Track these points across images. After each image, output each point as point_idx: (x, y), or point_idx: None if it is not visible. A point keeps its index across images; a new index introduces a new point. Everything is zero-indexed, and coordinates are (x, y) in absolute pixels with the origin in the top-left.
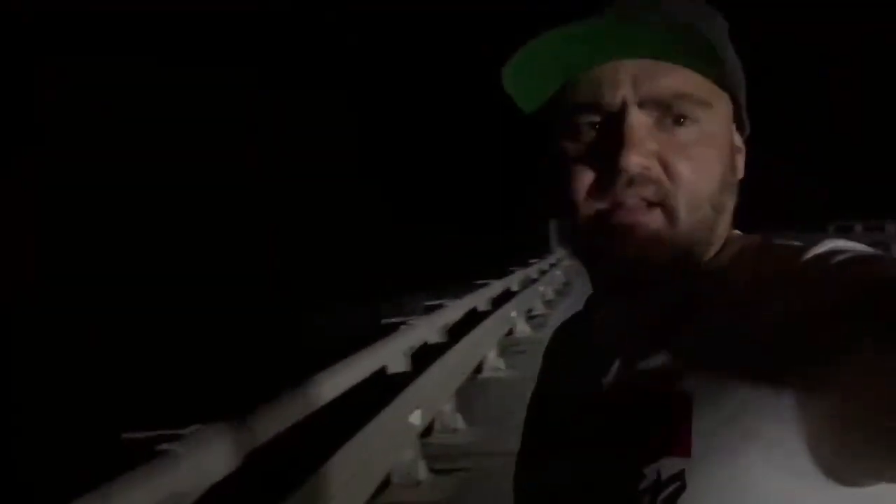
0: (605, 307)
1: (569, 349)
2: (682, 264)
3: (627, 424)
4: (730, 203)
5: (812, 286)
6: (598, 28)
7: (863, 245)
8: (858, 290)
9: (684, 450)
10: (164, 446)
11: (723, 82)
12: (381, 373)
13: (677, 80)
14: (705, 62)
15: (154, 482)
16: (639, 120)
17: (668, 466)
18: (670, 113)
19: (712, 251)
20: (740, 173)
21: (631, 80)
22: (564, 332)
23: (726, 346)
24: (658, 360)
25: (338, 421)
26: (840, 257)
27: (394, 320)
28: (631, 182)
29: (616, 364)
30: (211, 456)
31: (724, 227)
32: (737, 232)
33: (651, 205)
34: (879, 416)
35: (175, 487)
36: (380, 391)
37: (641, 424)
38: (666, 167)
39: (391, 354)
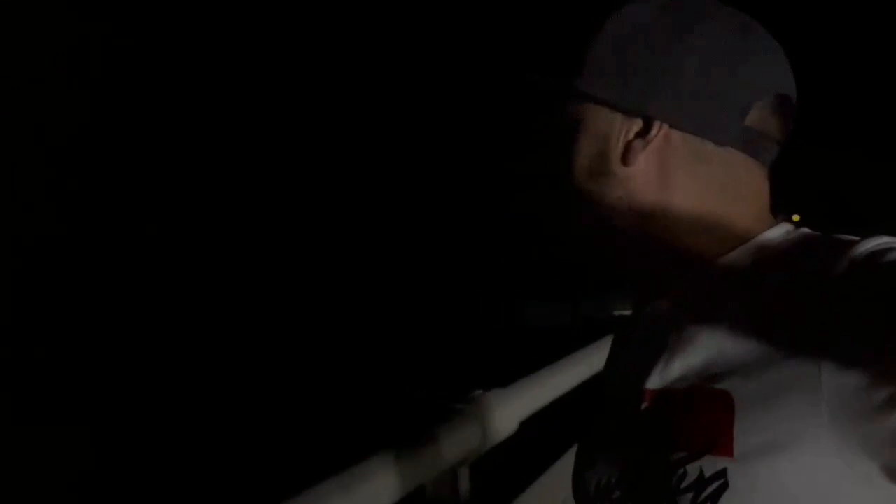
0: (647, 305)
1: (622, 345)
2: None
3: (671, 422)
4: (601, 186)
5: (857, 287)
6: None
7: None
8: None
9: (727, 449)
10: (457, 406)
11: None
12: None
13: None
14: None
15: (444, 440)
16: None
17: (711, 465)
18: None
19: (627, 245)
20: (631, 160)
21: None
22: (622, 328)
23: (766, 345)
24: (700, 358)
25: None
26: (889, 256)
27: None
28: None
29: (660, 361)
30: (493, 418)
31: (617, 215)
32: (786, 225)
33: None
34: None
35: (461, 447)
36: None
37: (685, 423)
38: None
39: None
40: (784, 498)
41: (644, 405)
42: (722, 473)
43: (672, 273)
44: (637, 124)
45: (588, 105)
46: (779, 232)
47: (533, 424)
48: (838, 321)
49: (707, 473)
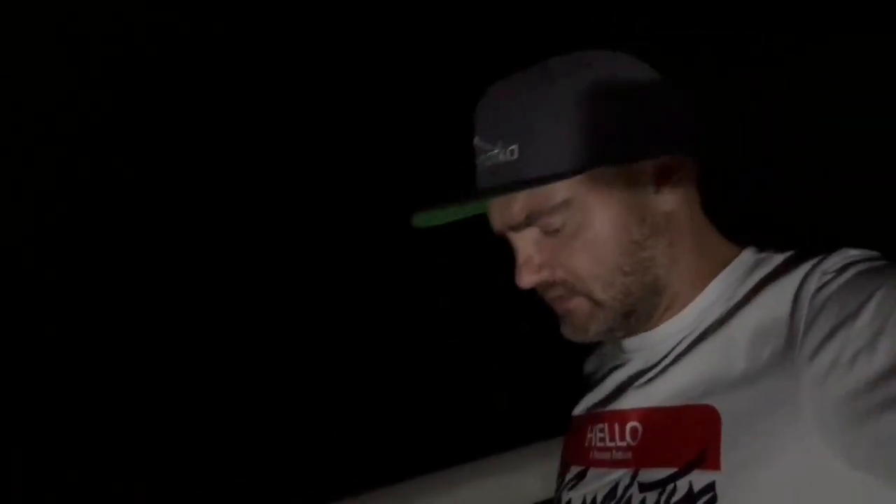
0: (630, 334)
1: (603, 368)
2: (631, 323)
3: (660, 439)
4: (650, 250)
5: (830, 302)
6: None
7: (876, 252)
8: (875, 301)
9: (714, 463)
10: None
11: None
12: None
13: (521, 204)
14: (533, 183)
15: None
16: (520, 242)
17: (700, 479)
18: (538, 227)
19: (664, 294)
20: (664, 206)
21: (498, 216)
22: (600, 354)
23: (748, 361)
24: (686, 376)
25: None
26: (856, 268)
27: None
28: (543, 289)
29: (647, 381)
30: None
31: (663, 269)
32: (752, 249)
33: (573, 293)
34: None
35: None
36: None
37: (673, 439)
38: (563, 267)
39: None
40: None
41: (632, 423)
42: (711, 487)
43: (662, 301)
44: (619, 185)
45: (582, 186)
46: (749, 255)
47: None
48: (814, 335)
49: (696, 488)
